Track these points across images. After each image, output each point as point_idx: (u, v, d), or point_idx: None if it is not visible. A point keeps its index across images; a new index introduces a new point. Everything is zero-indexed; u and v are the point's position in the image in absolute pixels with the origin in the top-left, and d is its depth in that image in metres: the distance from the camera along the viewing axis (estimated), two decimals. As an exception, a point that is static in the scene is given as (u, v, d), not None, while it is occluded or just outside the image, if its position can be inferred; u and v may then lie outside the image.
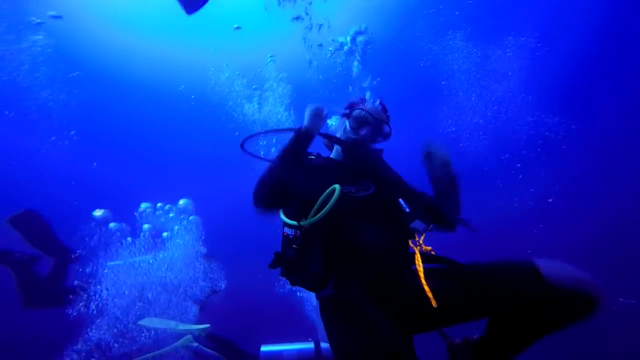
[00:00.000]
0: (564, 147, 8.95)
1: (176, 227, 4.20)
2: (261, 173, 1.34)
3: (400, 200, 1.35)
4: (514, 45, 8.01)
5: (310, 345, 2.66)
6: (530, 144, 9.39)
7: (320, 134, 1.52)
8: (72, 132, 7.50)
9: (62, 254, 3.76)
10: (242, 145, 1.53)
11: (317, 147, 1.59)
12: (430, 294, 1.09)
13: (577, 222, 10.25)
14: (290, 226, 1.30)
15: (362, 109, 1.51)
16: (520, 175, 10.47)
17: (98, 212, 4.10)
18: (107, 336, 3.19)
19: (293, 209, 1.32)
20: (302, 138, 1.40)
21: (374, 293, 1.16)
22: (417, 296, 1.13)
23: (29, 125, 7.62)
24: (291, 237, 1.28)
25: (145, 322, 3.25)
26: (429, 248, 1.28)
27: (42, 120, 7.32)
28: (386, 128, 1.55)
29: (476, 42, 7.79)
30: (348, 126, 1.55)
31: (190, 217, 4.37)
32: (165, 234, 4.12)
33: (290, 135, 1.44)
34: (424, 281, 1.13)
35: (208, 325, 3.23)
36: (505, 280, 1.11)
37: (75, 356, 3.15)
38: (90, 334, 3.24)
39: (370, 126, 1.51)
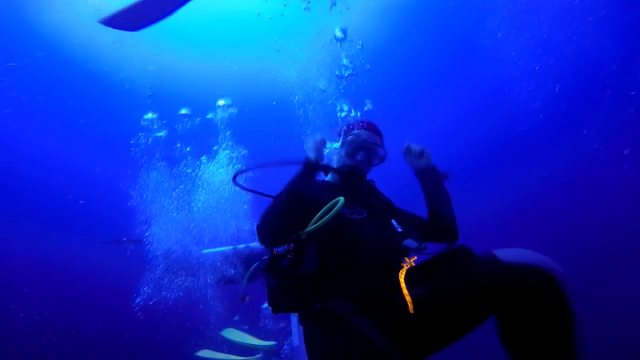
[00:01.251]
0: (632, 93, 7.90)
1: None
2: (266, 207, 1.33)
3: (393, 221, 1.41)
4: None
5: None
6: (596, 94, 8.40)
7: (320, 166, 1.49)
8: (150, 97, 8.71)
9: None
10: (234, 179, 1.54)
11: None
12: (408, 298, 1.06)
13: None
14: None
15: (356, 135, 1.54)
16: (585, 131, 9.51)
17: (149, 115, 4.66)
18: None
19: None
20: (310, 170, 1.38)
21: (364, 309, 1.15)
22: (407, 316, 1.08)
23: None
24: (282, 252, 1.30)
25: (226, 333, 3.49)
26: (414, 259, 1.26)
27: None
28: (381, 151, 1.57)
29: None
30: (343, 152, 1.55)
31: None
32: (216, 147, 4.27)
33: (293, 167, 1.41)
34: (404, 286, 1.09)
35: (275, 342, 3.32)
36: (474, 274, 1.06)
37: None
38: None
39: (365, 151, 1.53)
